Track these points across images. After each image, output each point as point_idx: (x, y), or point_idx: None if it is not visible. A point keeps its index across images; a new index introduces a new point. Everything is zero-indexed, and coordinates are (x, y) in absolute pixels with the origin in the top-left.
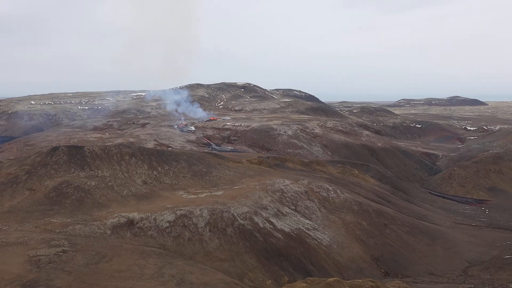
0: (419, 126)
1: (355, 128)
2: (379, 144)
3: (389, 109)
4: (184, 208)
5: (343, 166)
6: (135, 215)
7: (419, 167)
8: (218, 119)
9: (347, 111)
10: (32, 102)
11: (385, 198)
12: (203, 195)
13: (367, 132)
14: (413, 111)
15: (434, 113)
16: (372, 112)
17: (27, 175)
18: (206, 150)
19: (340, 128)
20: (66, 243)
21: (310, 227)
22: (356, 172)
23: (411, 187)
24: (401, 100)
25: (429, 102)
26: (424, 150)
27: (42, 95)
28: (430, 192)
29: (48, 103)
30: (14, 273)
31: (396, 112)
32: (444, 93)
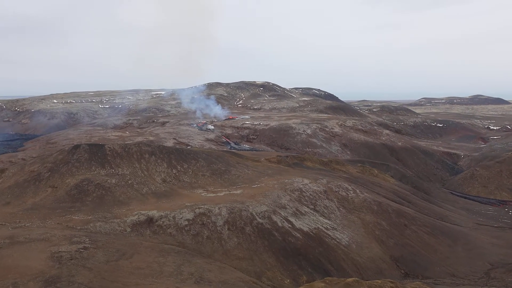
0: (441, 125)
1: (375, 127)
2: (399, 144)
3: (409, 108)
4: (203, 206)
5: (362, 165)
6: (154, 213)
7: (440, 167)
8: (237, 118)
9: (366, 110)
10: (55, 101)
11: (405, 198)
12: (222, 194)
13: (387, 131)
14: (434, 110)
15: (456, 112)
16: (392, 111)
17: (49, 173)
18: (225, 149)
19: (359, 127)
20: (87, 240)
21: (329, 227)
22: (376, 171)
23: (432, 187)
24: (422, 99)
25: (451, 101)
26: (446, 150)
27: (64, 93)
28: (451, 193)
29: (70, 102)
30: (37, 269)
31: (417, 111)
32: (466, 92)
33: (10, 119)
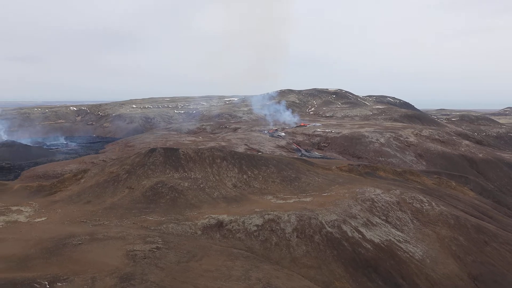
0: None
1: (454, 137)
2: (480, 155)
3: (492, 117)
4: (272, 212)
5: (439, 177)
6: (224, 217)
7: None
8: (308, 125)
9: (444, 119)
10: (133, 106)
11: (486, 213)
12: (291, 201)
13: (466, 142)
14: None
15: None
16: (473, 121)
17: (127, 174)
18: (296, 156)
19: (436, 137)
20: (160, 240)
21: (401, 239)
22: (454, 184)
23: None
24: (506, 108)
25: None
26: None
27: (143, 99)
28: None
29: (147, 107)
30: (113, 265)
31: (501, 121)
32: None
33: (93, 123)
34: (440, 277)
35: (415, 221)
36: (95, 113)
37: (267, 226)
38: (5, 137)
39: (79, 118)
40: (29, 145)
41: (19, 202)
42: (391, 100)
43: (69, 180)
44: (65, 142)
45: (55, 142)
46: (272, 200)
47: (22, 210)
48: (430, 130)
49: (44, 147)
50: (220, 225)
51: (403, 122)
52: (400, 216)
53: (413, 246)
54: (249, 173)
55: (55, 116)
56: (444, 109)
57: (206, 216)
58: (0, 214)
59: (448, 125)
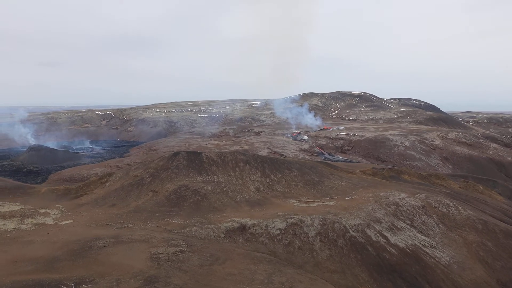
0: None
1: (481, 140)
2: (509, 158)
3: None
4: (295, 216)
5: (465, 180)
6: (247, 221)
7: None
8: (332, 128)
9: (471, 122)
10: (157, 110)
11: None
12: (314, 205)
13: (494, 145)
14: None
15: None
16: (501, 123)
17: (151, 178)
18: (319, 160)
19: (463, 140)
20: (183, 243)
21: (427, 244)
22: (481, 188)
23: None
24: None
25: None
26: None
27: (166, 103)
28: None
29: (171, 111)
30: (138, 268)
31: None
32: None
33: (118, 127)
34: (468, 283)
35: (441, 226)
36: (119, 118)
37: (290, 230)
38: (32, 141)
39: (104, 122)
40: (56, 149)
41: (46, 205)
42: (416, 102)
43: (94, 183)
44: (90, 146)
45: (80, 146)
46: (295, 204)
47: (49, 212)
48: (457, 133)
49: (70, 151)
50: (243, 228)
51: (429, 125)
52: (426, 221)
53: (439, 251)
54: (272, 177)
55: (81, 121)
56: (470, 111)
57: (229, 219)
58: (28, 217)
59: (475, 127)
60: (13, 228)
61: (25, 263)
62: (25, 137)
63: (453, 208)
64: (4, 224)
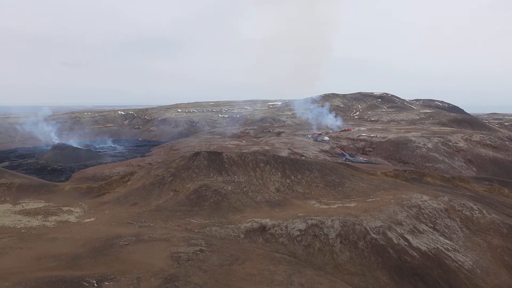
0: None
1: (507, 142)
2: None
3: None
4: (315, 217)
5: (490, 183)
6: (267, 221)
7: None
8: (353, 130)
9: (497, 124)
10: (179, 110)
11: None
12: (335, 206)
13: None
14: None
15: None
16: None
17: (172, 177)
18: (340, 161)
19: (488, 142)
20: (203, 243)
21: (450, 248)
22: (506, 191)
23: None
24: None
25: None
26: None
27: (188, 103)
28: None
29: (192, 111)
30: (158, 266)
31: None
32: None
33: (140, 127)
34: None
35: (464, 229)
36: (141, 117)
37: (310, 231)
38: (56, 140)
39: (126, 122)
40: (79, 148)
41: (69, 202)
42: (439, 104)
43: (116, 182)
44: (112, 145)
45: (103, 145)
46: (315, 205)
47: (72, 210)
48: (481, 135)
49: (93, 150)
50: (263, 229)
51: (452, 127)
52: (449, 224)
53: (463, 255)
54: (292, 178)
55: (104, 120)
56: (496, 113)
57: (249, 220)
58: (52, 214)
59: (501, 129)
60: (38, 225)
61: (48, 260)
62: (48, 135)
63: (477, 212)
64: (29, 221)
